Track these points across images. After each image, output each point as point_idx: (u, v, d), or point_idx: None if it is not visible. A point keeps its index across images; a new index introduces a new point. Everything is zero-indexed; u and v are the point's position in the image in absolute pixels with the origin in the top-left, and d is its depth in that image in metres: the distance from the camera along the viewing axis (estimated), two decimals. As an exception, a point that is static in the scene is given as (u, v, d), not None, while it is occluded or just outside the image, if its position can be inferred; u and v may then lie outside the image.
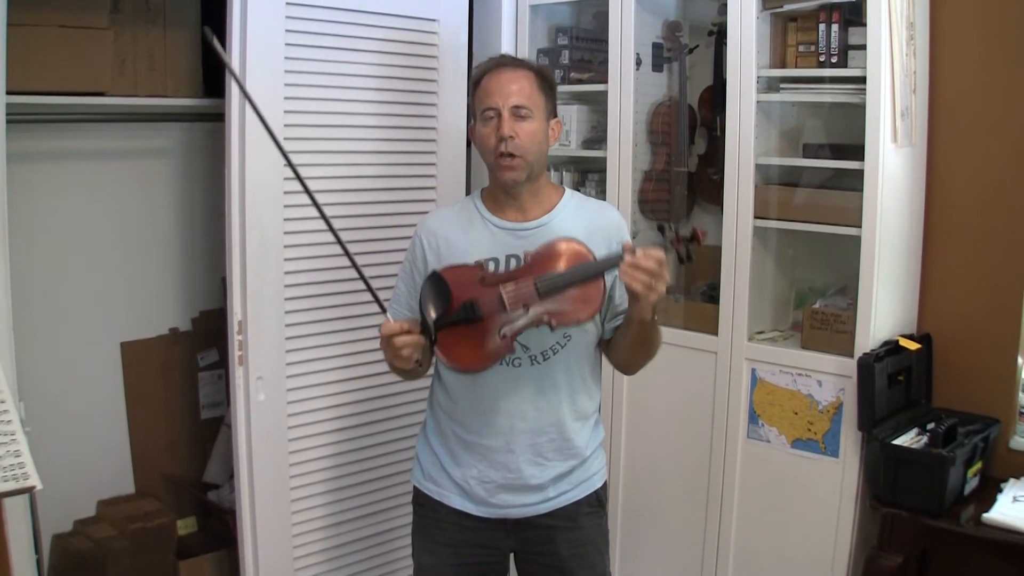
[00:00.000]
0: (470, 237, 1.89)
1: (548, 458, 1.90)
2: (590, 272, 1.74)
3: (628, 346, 1.89)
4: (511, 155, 1.81)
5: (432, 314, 1.75)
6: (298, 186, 2.34)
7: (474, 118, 1.90)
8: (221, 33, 2.31)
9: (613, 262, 1.71)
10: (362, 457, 2.63)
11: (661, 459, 2.75)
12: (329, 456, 2.56)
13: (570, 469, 1.93)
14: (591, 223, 1.89)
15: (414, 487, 2.04)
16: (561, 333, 1.83)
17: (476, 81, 1.90)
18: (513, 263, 1.84)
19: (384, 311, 1.76)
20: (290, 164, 1.73)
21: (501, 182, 1.86)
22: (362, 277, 1.73)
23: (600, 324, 1.91)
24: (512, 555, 2.00)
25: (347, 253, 1.73)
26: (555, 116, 1.92)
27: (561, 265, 1.76)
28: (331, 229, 1.72)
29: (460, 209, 1.98)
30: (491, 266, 1.85)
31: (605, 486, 2.01)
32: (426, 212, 2.26)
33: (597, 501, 1.98)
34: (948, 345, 2.51)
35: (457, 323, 1.76)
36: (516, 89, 1.83)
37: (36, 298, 2.77)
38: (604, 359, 2.00)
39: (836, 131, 2.54)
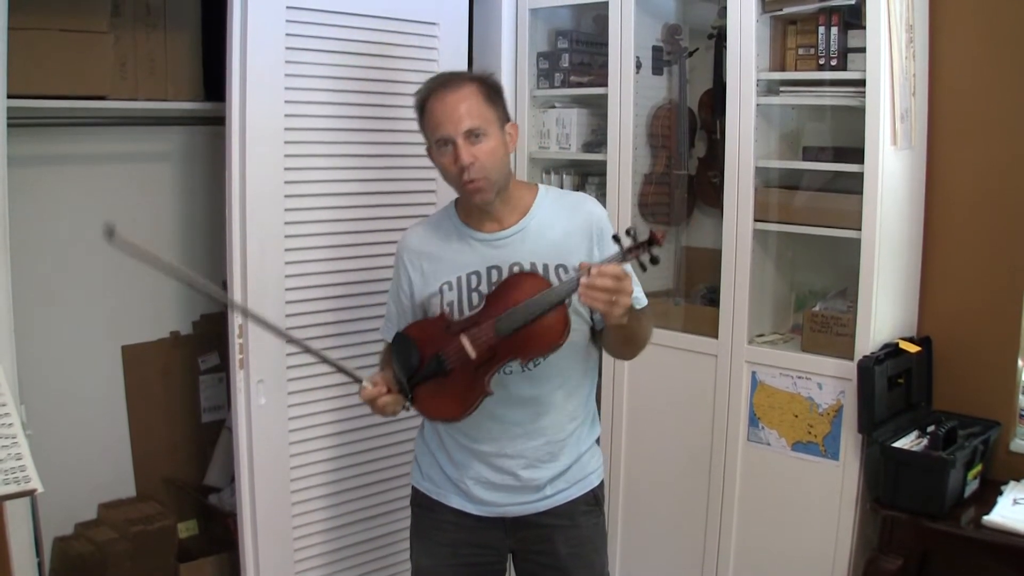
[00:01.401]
0: (451, 252, 1.89)
1: (543, 460, 1.90)
2: (548, 302, 1.69)
3: (614, 342, 1.90)
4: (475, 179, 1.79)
5: (403, 376, 1.78)
6: (299, 188, 2.38)
7: (428, 142, 1.86)
8: (221, 36, 2.32)
9: (570, 287, 1.66)
10: (363, 460, 2.63)
11: (661, 461, 2.75)
12: (330, 459, 2.56)
13: (566, 468, 1.92)
14: (570, 221, 1.87)
15: (412, 487, 2.04)
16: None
17: (420, 107, 1.84)
18: (495, 274, 1.84)
19: (359, 381, 1.80)
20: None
21: (473, 204, 1.85)
22: (328, 361, 1.82)
23: (589, 318, 1.89)
24: (511, 555, 2.00)
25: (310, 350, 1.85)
26: (508, 120, 1.88)
27: (519, 299, 1.71)
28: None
29: (437, 223, 1.96)
30: (473, 280, 1.85)
31: (602, 485, 2.01)
32: (426, 216, 2.26)
33: (594, 500, 1.98)
34: (948, 347, 2.51)
35: (428, 378, 1.78)
36: (464, 111, 1.77)
37: (37, 301, 2.77)
38: (601, 355, 2.00)
39: (836, 134, 2.54)
